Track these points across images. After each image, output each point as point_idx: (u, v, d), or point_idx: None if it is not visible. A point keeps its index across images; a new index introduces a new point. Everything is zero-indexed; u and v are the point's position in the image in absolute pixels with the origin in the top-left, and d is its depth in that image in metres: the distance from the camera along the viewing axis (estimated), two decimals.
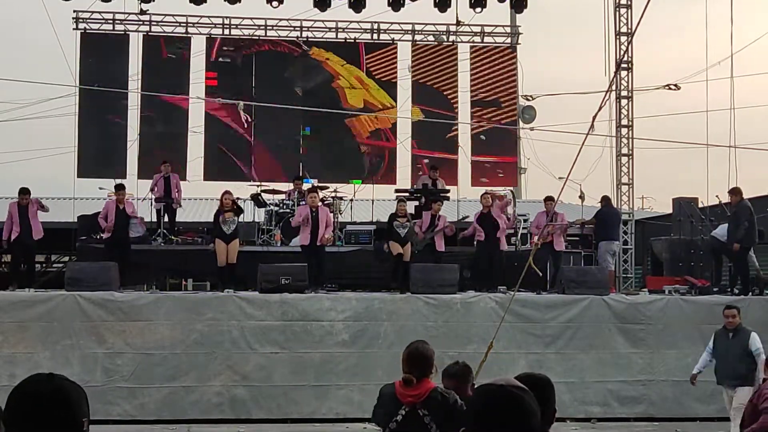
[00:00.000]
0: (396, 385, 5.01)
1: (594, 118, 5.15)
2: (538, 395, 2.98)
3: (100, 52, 19.76)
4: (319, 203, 14.76)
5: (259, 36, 20.41)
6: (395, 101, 20.49)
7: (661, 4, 20.57)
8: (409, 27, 20.66)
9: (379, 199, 19.74)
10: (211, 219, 15.91)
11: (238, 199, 16.07)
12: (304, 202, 15.09)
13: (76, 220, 17.64)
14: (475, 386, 2.66)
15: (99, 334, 12.85)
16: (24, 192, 14.30)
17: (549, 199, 15.11)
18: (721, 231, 14.92)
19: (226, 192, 14.71)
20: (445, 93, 20.46)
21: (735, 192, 14.62)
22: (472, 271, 14.97)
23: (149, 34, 20.06)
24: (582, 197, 16.14)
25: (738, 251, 14.49)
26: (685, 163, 54.55)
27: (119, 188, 15.16)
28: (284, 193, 17.55)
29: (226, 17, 20.16)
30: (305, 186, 17.32)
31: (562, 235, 15.17)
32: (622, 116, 19.16)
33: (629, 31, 18.91)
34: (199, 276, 18.54)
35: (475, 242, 14.89)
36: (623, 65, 18.94)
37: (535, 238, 15.02)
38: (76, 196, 20.49)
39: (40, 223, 14.44)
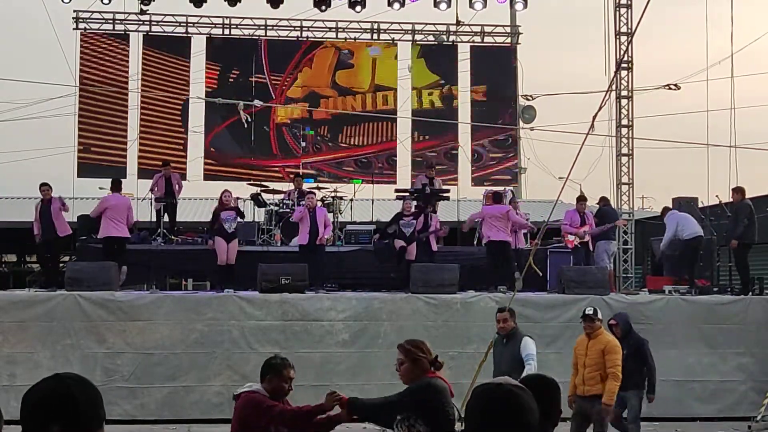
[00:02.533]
0: (442, 379, 5.09)
1: (594, 118, 5.15)
2: (546, 396, 2.99)
3: (100, 52, 19.77)
4: (318, 203, 14.94)
5: (259, 36, 20.42)
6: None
7: (661, 4, 20.57)
8: (409, 27, 20.67)
9: (379, 199, 19.73)
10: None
11: (237, 198, 16.10)
12: (303, 203, 15.19)
13: (76, 220, 17.61)
14: (475, 387, 2.67)
15: (99, 334, 12.84)
16: (43, 185, 14.50)
17: (582, 199, 15.30)
18: (671, 221, 15.27)
19: (226, 191, 14.86)
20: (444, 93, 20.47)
21: (738, 191, 14.68)
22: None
23: (149, 34, 20.07)
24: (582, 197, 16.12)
25: (738, 250, 14.52)
26: (685, 163, 54.55)
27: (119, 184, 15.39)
28: (284, 192, 17.54)
29: (226, 17, 20.17)
30: (305, 185, 17.38)
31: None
32: (622, 116, 19.15)
33: (629, 31, 18.91)
34: (199, 276, 18.54)
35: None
36: (623, 65, 18.93)
37: (569, 236, 15.12)
38: (76, 196, 20.47)
39: (64, 221, 14.51)
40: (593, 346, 8.81)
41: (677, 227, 15.12)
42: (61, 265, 16.36)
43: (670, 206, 16.20)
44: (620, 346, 8.94)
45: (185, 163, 19.71)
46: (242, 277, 14.23)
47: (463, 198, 21.48)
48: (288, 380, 5.29)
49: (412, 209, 15.11)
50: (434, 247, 15.25)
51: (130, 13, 19.83)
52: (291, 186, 17.69)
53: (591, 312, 9.00)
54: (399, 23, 20.59)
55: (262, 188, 17.92)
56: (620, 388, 8.98)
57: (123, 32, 19.98)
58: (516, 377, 8.17)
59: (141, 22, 19.99)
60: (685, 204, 17.51)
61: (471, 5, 19.63)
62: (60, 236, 14.48)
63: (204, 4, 19.36)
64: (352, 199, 18.25)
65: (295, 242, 15.56)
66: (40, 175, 15.07)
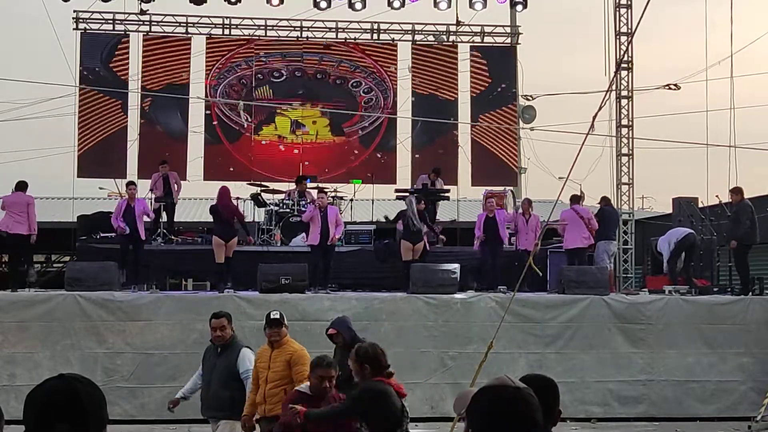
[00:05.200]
0: (391, 383, 5.69)
1: (594, 118, 5.15)
2: (545, 396, 3.00)
3: (100, 52, 19.78)
4: (328, 203, 14.91)
5: (259, 36, 20.43)
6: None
7: (661, 4, 20.59)
8: (409, 27, 20.68)
9: (379, 199, 19.74)
10: (210, 219, 15.94)
11: (237, 198, 16.13)
12: (304, 201, 15.18)
13: (76, 220, 17.64)
14: (478, 387, 2.69)
15: (99, 334, 12.84)
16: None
17: (576, 199, 15.32)
18: (663, 243, 15.44)
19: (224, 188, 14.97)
20: (444, 93, 20.49)
21: (736, 191, 14.66)
22: (476, 275, 15.06)
23: (149, 34, 20.08)
24: (582, 197, 16.12)
25: (738, 250, 14.51)
26: (685, 163, 54.59)
27: (129, 185, 15.20)
28: (284, 193, 17.54)
29: (226, 17, 20.18)
30: (306, 185, 17.36)
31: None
32: (622, 116, 19.16)
33: (629, 31, 18.92)
34: (199, 276, 18.55)
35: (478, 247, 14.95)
36: (623, 65, 18.94)
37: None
38: (76, 196, 20.49)
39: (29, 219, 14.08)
40: (278, 357, 7.32)
41: (669, 244, 15.23)
42: (61, 264, 16.35)
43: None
44: (308, 356, 7.29)
45: (185, 162, 19.74)
46: (242, 277, 14.22)
47: (463, 198, 21.50)
48: (323, 379, 5.91)
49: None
50: (428, 246, 15.20)
51: (130, 13, 19.83)
52: (292, 186, 17.69)
53: (277, 316, 7.49)
54: (399, 23, 20.60)
55: (262, 188, 17.92)
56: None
57: (123, 32, 19.99)
58: (228, 395, 7.33)
59: (141, 22, 19.99)
60: (685, 204, 17.52)
61: (471, 5, 19.64)
62: (24, 234, 14.00)
63: (204, 4, 19.37)
64: (352, 199, 18.26)
65: (296, 242, 15.54)
66: (40, 175, 14.99)
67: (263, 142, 20.28)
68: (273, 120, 20.29)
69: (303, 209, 15.78)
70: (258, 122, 20.18)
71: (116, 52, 19.76)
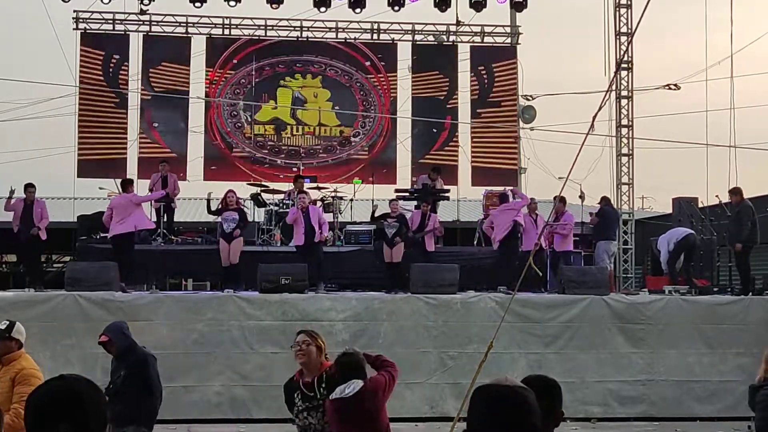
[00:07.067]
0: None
1: (594, 118, 5.14)
2: (547, 397, 3.00)
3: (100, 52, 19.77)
4: (309, 204, 14.89)
5: (259, 36, 20.43)
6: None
7: (661, 4, 20.59)
8: (409, 27, 20.67)
9: (379, 199, 19.73)
10: (210, 219, 15.96)
11: (239, 199, 16.12)
12: (294, 203, 15.22)
13: (76, 220, 17.63)
14: (477, 386, 2.68)
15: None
16: (30, 186, 14.50)
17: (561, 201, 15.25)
18: (662, 242, 15.39)
19: (230, 191, 14.95)
20: (444, 93, 20.49)
21: (736, 192, 14.63)
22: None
23: (149, 34, 20.07)
24: (582, 197, 16.13)
25: (740, 251, 14.50)
26: (685, 163, 54.60)
27: (127, 184, 15.22)
28: (284, 192, 17.55)
29: (226, 17, 20.18)
30: (306, 186, 17.37)
31: (568, 236, 15.29)
32: (622, 116, 19.17)
33: (629, 31, 18.94)
34: (199, 276, 18.55)
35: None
36: (623, 65, 18.96)
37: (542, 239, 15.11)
38: (76, 196, 20.48)
39: (42, 221, 14.47)
40: (4, 375, 6.07)
41: (668, 243, 15.22)
42: (61, 264, 16.40)
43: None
44: (39, 377, 6.05)
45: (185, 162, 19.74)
46: (242, 277, 14.24)
47: (463, 198, 21.49)
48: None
49: (399, 211, 15.01)
50: (431, 247, 15.18)
51: (130, 13, 19.83)
52: (291, 186, 17.68)
53: (3, 327, 6.15)
54: (399, 23, 20.60)
55: (262, 188, 17.93)
56: (118, 423, 6.76)
57: (123, 32, 19.99)
58: None
59: (141, 22, 19.99)
60: (685, 204, 17.52)
61: (471, 5, 19.64)
62: (42, 239, 14.45)
63: (204, 4, 19.37)
64: (352, 199, 18.24)
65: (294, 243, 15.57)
66: (40, 175, 15.04)
67: (262, 140, 20.26)
68: (275, 94, 20.24)
69: None
70: (258, 103, 20.07)
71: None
